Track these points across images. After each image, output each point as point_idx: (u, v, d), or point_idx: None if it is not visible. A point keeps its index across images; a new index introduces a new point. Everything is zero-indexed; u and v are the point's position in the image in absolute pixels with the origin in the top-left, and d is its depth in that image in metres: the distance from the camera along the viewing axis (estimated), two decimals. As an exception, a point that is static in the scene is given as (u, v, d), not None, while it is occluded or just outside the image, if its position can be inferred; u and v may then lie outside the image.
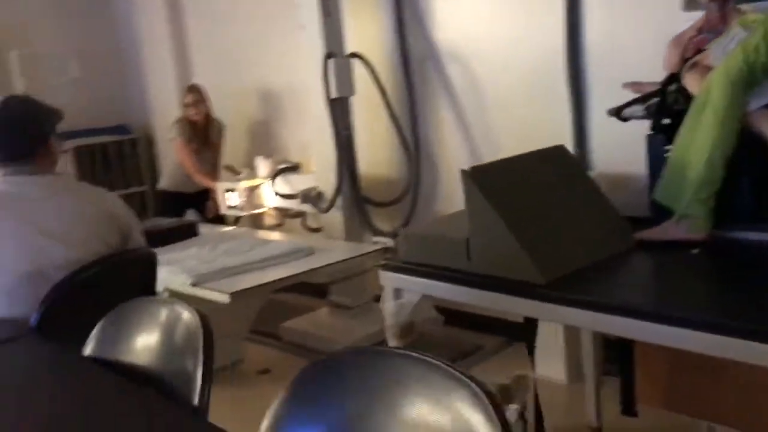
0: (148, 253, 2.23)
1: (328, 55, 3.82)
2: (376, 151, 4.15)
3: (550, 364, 3.16)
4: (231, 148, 5.05)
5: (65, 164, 5.59)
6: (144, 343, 1.51)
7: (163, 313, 1.52)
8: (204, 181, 4.79)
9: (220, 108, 4.99)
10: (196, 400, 1.31)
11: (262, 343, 4.15)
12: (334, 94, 3.82)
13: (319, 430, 1.09)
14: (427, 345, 3.59)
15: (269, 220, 4.60)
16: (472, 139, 3.77)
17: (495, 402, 0.94)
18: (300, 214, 4.36)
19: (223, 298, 2.90)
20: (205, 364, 1.35)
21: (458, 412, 0.95)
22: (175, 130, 4.88)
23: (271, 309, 4.32)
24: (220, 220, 4.84)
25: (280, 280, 3.13)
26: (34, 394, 1.38)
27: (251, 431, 1.21)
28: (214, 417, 1.35)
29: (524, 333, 2.58)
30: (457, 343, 3.65)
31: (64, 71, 5.79)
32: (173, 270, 3.21)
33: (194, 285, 3.07)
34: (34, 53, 5.62)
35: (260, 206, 4.50)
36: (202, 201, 4.93)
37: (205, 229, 4.13)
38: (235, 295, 2.90)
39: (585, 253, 2.03)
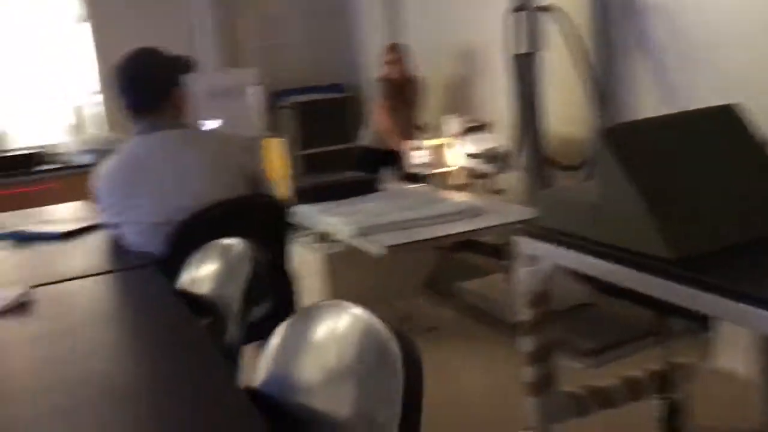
0: (270, 201, 2.28)
1: (517, 8, 3.65)
2: (565, 110, 3.91)
3: (736, 356, 2.80)
4: (426, 107, 5.07)
5: (287, 120, 6.01)
6: (208, 275, 1.59)
7: (233, 251, 1.58)
8: (394, 140, 4.87)
9: (423, 66, 5.02)
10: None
11: (436, 301, 4.17)
12: (521, 49, 3.65)
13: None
14: (596, 318, 3.39)
15: (456, 180, 4.56)
16: (672, 99, 3.40)
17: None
18: (485, 175, 4.27)
19: (380, 251, 2.94)
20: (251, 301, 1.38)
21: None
22: (374, 88, 5.01)
23: (449, 267, 4.32)
24: (413, 178, 4.90)
25: (439, 238, 3.10)
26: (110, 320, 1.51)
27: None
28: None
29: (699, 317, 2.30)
30: (635, 321, 3.36)
31: (291, 32, 6.20)
32: (342, 220, 3.33)
33: (355, 236, 3.15)
34: (265, 14, 6.09)
35: (447, 165, 4.48)
36: (398, 158, 5.02)
37: (389, 185, 4.21)
38: (392, 249, 2.92)
39: (741, 230, 1.73)
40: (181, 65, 2.27)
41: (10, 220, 2.66)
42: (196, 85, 5.67)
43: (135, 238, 2.07)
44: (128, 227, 2.10)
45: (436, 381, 3.19)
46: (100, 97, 5.71)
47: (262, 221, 2.20)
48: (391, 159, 5.01)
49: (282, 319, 2.35)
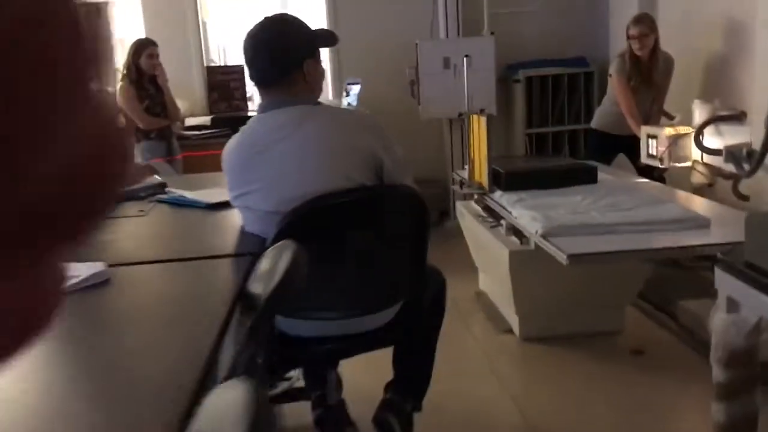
0: (403, 192, 1.95)
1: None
2: None
3: None
4: (673, 89, 4.35)
5: (519, 94, 5.60)
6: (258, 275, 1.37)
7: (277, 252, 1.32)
8: (633, 124, 4.24)
9: (673, 42, 4.30)
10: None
11: (648, 318, 3.56)
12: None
13: None
14: None
15: (698, 178, 3.84)
16: None
17: None
18: (734, 176, 3.51)
19: (561, 258, 2.50)
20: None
21: None
22: (614, 65, 4.41)
23: (671, 279, 3.70)
24: (647, 171, 4.25)
25: (635, 252, 2.56)
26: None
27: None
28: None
29: None
30: None
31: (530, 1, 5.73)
32: (534, 216, 2.91)
33: (544, 237, 2.72)
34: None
35: (685, 159, 3.78)
36: (635, 146, 4.38)
37: (606, 175, 3.65)
38: (573, 259, 2.46)
39: None
40: (320, 37, 2.04)
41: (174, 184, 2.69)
42: (426, 53, 5.54)
43: (252, 225, 1.90)
44: (245, 213, 1.93)
45: (638, 420, 2.70)
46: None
47: (393, 214, 1.91)
48: (628, 146, 4.39)
49: (420, 321, 2.01)
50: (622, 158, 4.58)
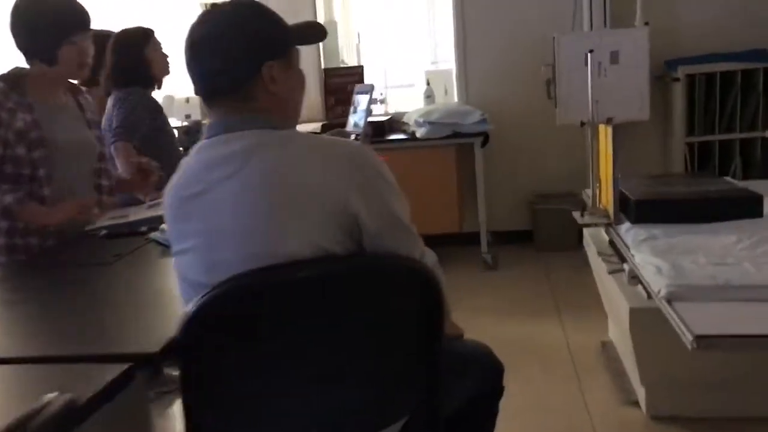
0: (400, 266, 1.31)
1: None
2: None
3: None
4: None
5: (679, 96, 4.69)
6: None
7: None
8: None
9: None
10: None
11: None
12: None
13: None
14: None
15: None
16: None
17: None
18: None
19: (686, 340, 1.75)
20: None
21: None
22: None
23: None
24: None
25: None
26: None
27: None
28: None
29: None
30: None
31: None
32: (660, 266, 2.15)
33: (668, 300, 1.97)
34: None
35: None
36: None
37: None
38: (704, 342, 1.70)
39: None
40: (293, 32, 1.44)
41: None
42: (566, 48, 4.77)
43: (188, 300, 1.30)
44: (179, 283, 1.39)
45: None
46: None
47: (381, 299, 1.28)
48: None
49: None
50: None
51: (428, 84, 5.31)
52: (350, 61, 6.20)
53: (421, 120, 4.58)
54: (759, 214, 2.62)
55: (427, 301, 1.30)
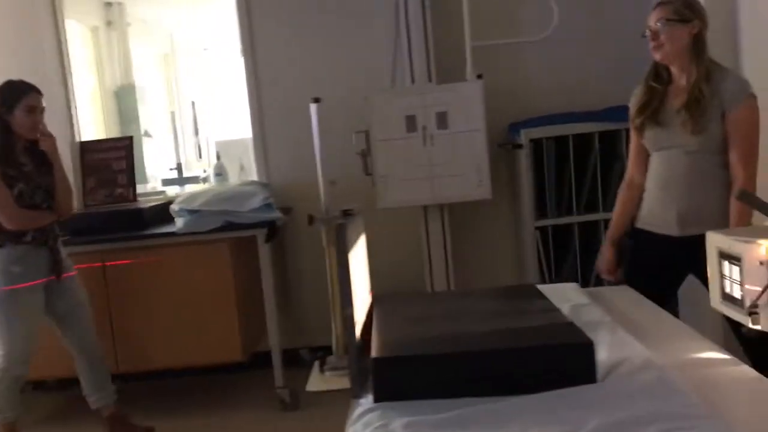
0: None
1: None
2: None
3: None
4: None
5: (521, 167, 3.70)
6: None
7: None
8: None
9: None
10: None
11: None
12: None
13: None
14: None
15: None
16: None
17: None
18: None
19: None
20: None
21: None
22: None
23: None
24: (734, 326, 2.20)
25: None
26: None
27: None
28: None
29: None
30: None
31: (537, 23, 3.82)
32: None
33: None
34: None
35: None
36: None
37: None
38: None
39: None
40: None
41: None
42: (381, 110, 3.69)
43: None
44: None
45: None
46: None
47: None
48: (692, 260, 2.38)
49: None
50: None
51: (218, 158, 4.12)
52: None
53: (178, 208, 3.33)
54: (587, 377, 1.50)
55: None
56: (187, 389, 3.80)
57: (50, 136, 3.00)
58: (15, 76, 3.01)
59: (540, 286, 2.34)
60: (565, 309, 2.01)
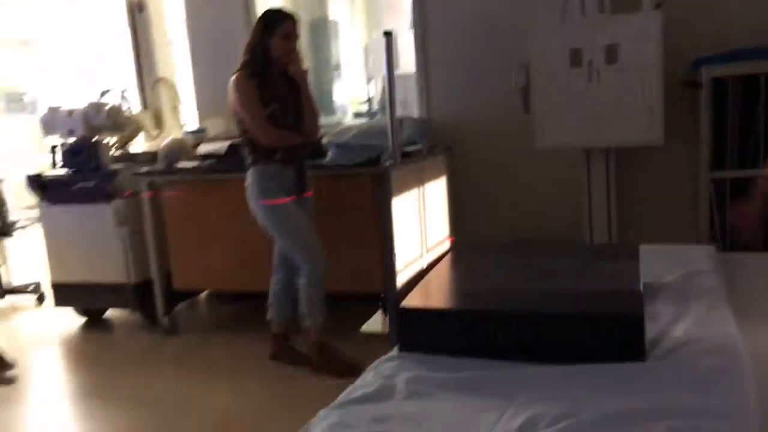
0: None
1: None
2: None
3: None
4: None
5: (702, 108, 3.30)
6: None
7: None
8: None
9: None
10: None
11: None
12: None
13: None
14: None
15: None
16: None
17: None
18: None
19: None
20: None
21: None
22: None
23: None
24: None
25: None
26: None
27: None
28: None
29: None
30: None
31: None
32: None
33: None
34: None
35: None
36: None
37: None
38: None
39: None
40: None
41: None
42: (544, 44, 3.43)
43: None
44: None
45: None
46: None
47: None
48: None
49: None
50: None
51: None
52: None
53: (328, 141, 3.39)
54: (632, 354, 1.29)
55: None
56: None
57: (299, 64, 3.07)
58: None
59: (670, 247, 2.08)
60: (675, 274, 1.77)
